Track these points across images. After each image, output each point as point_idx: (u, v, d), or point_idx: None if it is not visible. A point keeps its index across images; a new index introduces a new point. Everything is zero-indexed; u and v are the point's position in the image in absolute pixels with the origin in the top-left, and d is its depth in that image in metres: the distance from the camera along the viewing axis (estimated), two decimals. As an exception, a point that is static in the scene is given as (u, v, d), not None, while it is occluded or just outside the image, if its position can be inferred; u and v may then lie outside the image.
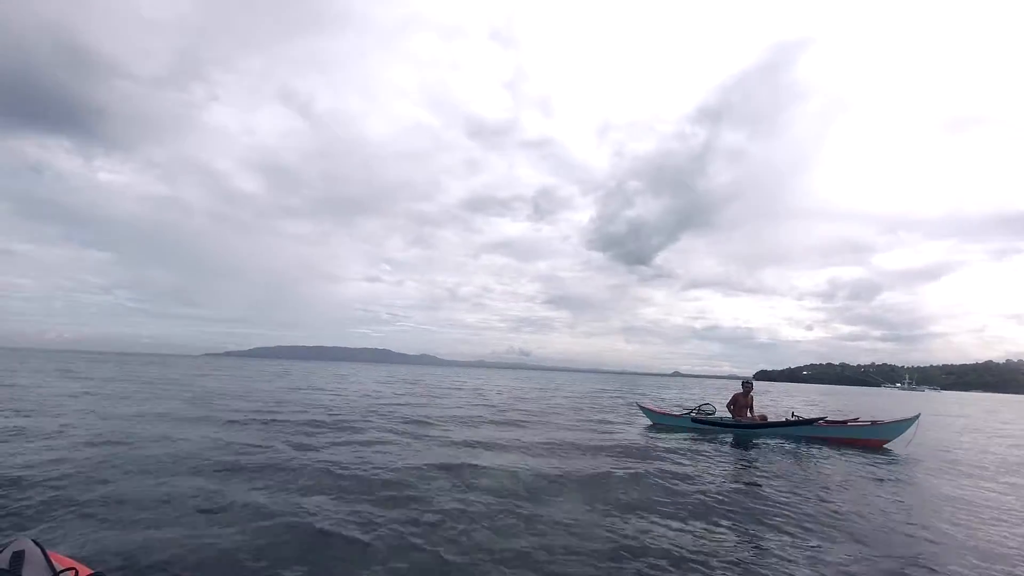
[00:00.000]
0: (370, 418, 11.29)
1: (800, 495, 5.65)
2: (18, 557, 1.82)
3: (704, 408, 12.01)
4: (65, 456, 6.16)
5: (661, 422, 12.55)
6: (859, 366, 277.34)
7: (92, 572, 1.87)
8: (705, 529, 4.38)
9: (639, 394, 28.26)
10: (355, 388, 23.04)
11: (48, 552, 1.92)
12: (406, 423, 10.66)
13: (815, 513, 4.92)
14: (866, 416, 11.35)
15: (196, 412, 11.19)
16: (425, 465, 6.39)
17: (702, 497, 5.37)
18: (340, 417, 11.16)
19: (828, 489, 6.03)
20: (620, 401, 21.48)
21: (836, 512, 4.98)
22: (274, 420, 10.19)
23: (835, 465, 7.74)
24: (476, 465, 6.52)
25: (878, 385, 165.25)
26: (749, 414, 11.22)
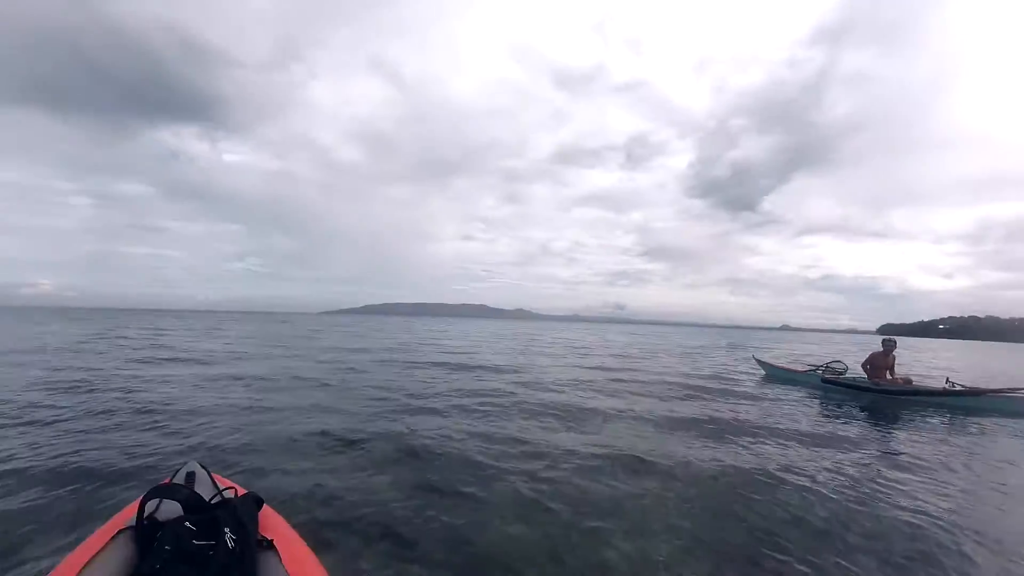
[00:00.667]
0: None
1: (959, 486, 4.76)
2: (191, 476, 2.30)
3: (834, 366, 11.10)
4: (227, 398, 7.39)
5: (782, 378, 11.82)
6: (1012, 319, 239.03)
7: (247, 492, 2.21)
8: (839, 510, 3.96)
9: (749, 348, 26.74)
10: (479, 343, 24.14)
11: (212, 474, 2.41)
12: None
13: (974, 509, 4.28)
14: None
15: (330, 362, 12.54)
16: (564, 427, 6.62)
17: (834, 474, 4.85)
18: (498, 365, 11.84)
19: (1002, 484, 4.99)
20: (731, 356, 20.38)
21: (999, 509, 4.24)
22: (425, 364, 11.08)
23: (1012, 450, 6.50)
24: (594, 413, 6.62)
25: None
26: (889, 377, 10.12)
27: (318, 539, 2.84)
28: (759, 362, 13.00)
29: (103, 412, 6.29)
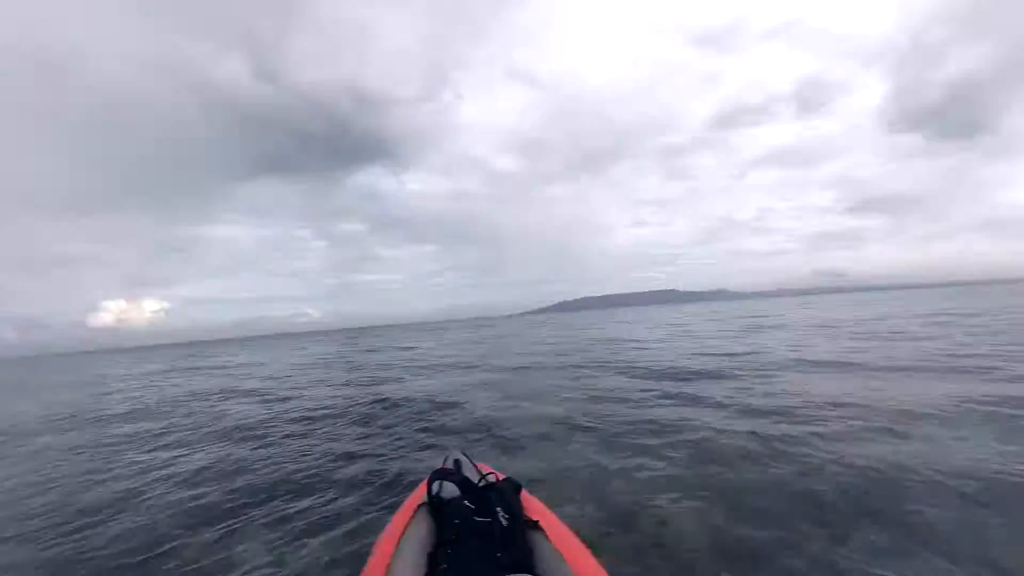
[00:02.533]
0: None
1: None
2: (457, 463, 2.67)
3: None
4: (472, 394, 8.36)
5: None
6: None
7: (505, 477, 2.35)
8: None
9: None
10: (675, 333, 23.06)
11: (474, 461, 2.77)
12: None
13: None
14: None
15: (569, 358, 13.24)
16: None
17: None
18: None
19: None
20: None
21: None
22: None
23: None
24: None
25: None
26: None
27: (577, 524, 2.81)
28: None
29: (389, 405, 7.95)
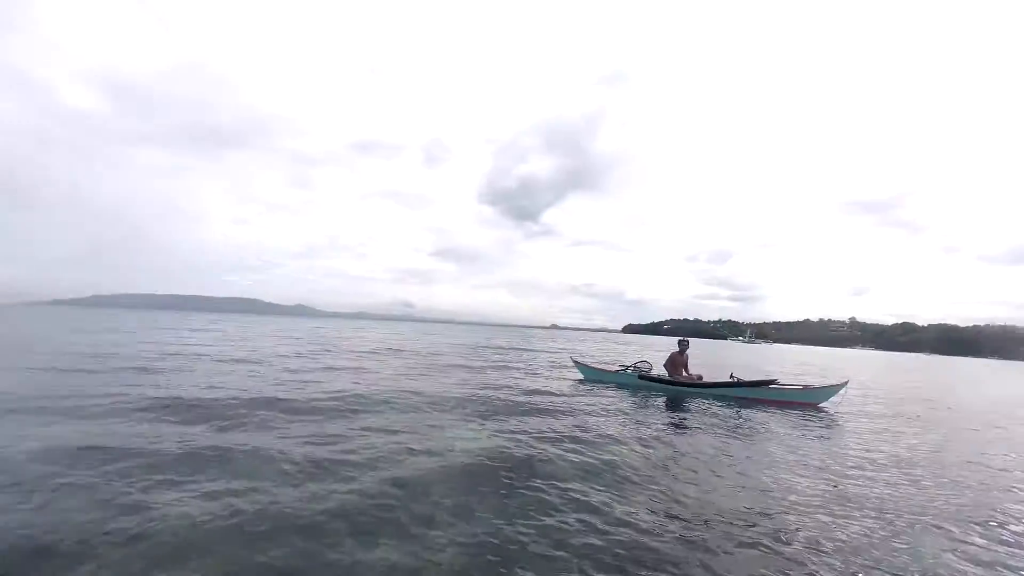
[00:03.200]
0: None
1: (741, 455, 5.71)
2: None
3: (640, 366, 12.09)
4: None
5: (599, 378, 12.48)
6: (709, 321, 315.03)
7: None
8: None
9: (539, 347, 28.71)
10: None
11: None
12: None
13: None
14: (795, 380, 11.98)
15: None
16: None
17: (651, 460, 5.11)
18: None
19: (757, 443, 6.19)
20: (544, 357, 21.43)
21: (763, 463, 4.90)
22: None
23: (772, 424, 8.16)
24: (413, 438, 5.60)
25: (725, 338, 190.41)
26: (685, 373, 11.44)
27: None
28: (576, 363, 13.54)
29: None
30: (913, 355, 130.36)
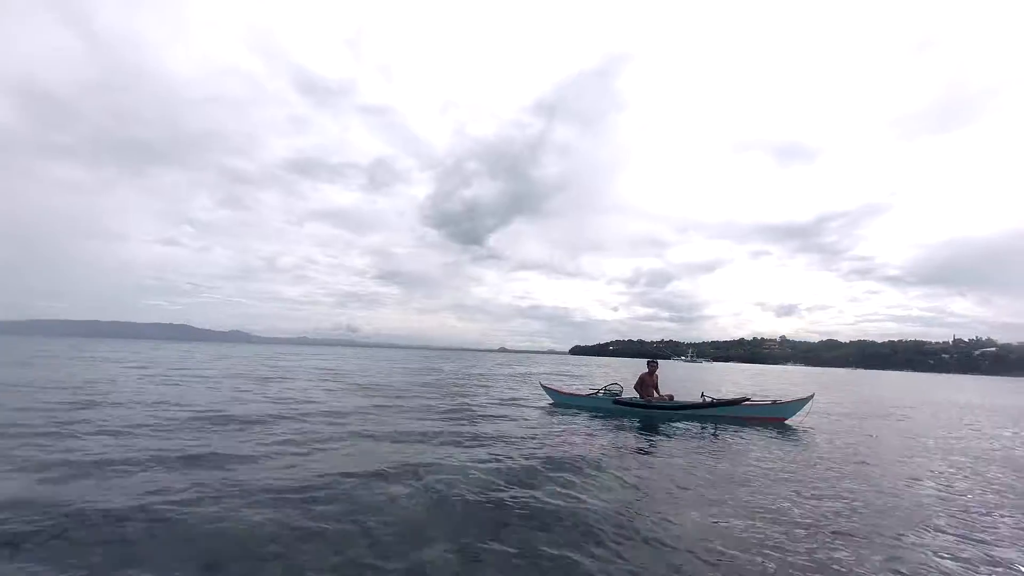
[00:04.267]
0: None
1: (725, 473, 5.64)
2: None
3: (611, 388, 11.93)
4: None
5: (569, 403, 12.18)
6: (652, 342, 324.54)
7: None
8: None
9: (496, 371, 28.27)
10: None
11: None
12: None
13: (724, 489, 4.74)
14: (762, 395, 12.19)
15: None
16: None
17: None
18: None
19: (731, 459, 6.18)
20: (512, 381, 20.96)
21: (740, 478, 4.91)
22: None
23: (746, 441, 8.24)
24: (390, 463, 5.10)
25: (667, 358, 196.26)
26: (656, 394, 11.33)
27: None
28: (545, 388, 13.25)
29: None
30: (841, 369, 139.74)
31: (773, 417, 10.23)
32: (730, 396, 11.26)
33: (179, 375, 17.27)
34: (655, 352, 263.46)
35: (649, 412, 10.72)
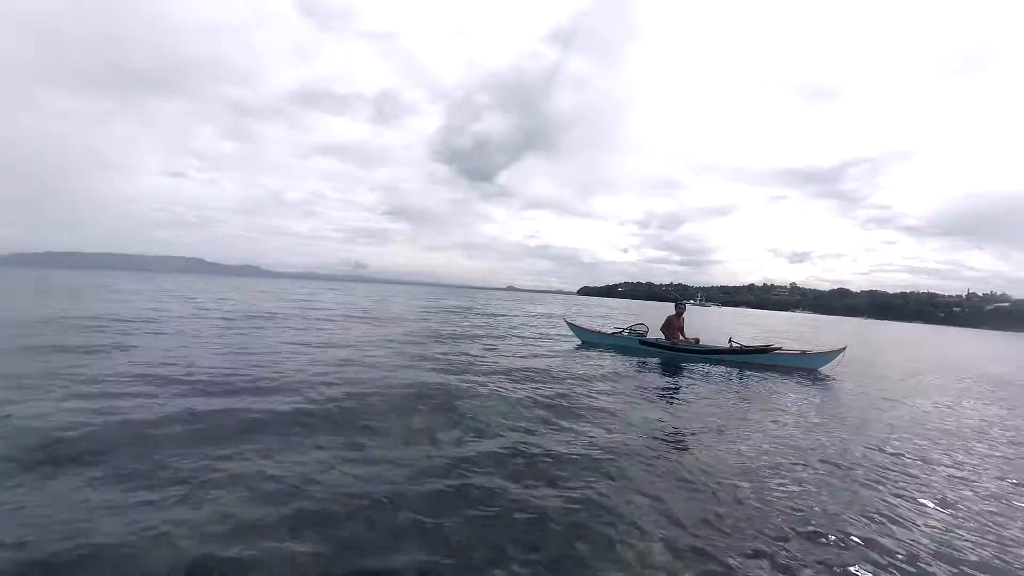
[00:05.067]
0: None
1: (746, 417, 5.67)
2: None
3: (637, 328, 11.95)
4: None
5: (595, 341, 12.29)
6: (661, 285, 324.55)
7: None
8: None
9: (514, 310, 28.50)
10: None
11: None
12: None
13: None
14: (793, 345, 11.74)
15: None
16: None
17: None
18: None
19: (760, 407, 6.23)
20: (510, 319, 21.16)
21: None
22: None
23: (777, 387, 8.34)
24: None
25: (677, 301, 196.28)
26: (682, 336, 11.33)
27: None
28: (570, 326, 13.30)
29: None
30: (852, 319, 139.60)
31: (803, 367, 10.17)
32: (761, 344, 11.18)
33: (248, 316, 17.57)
34: (664, 295, 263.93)
35: (676, 354, 10.78)
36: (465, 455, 3.92)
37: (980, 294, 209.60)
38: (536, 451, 4.13)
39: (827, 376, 9.73)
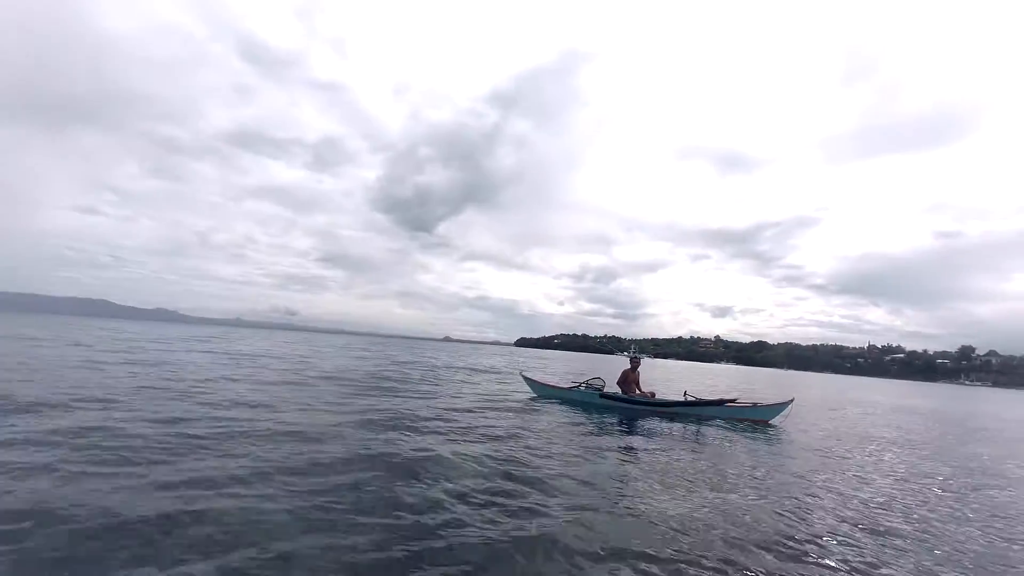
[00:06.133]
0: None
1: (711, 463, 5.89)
2: None
3: (593, 382, 12.02)
4: None
5: (551, 395, 12.20)
6: (596, 337, 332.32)
7: None
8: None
9: (459, 363, 27.97)
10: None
11: None
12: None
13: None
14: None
15: None
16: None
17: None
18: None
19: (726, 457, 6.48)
20: (455, 371, 20.66)
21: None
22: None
23: (730, 440, 8.58)
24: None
25: (612, 353, 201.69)
26: (638, 390, 11.53)
27: None
28: (526, 380, 13.16)
29: None
30: (769, 369, 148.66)
31: (755, 419, 10.59)
32: (708, 396, 11.57)
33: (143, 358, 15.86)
34: (599, 347, 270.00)
35: (636, 408, 10.89)
36: (425, 522, 3.70)
37: (879, 346, 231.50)
38: (500, 512, 3.94)
39: (778, 426, 10.22)
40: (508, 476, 5.06)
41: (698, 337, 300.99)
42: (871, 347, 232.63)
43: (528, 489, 4.69)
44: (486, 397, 11.88)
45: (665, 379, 26.17)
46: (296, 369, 15.65)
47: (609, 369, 34.18)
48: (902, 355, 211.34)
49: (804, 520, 4.38)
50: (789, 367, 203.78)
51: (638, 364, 11.89)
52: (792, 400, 11.10)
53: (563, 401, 11.65)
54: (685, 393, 11.16)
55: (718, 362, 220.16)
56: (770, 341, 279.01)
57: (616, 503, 4.49)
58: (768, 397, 11.42)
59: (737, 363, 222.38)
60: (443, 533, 3.52)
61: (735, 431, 9.29)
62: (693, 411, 10.70)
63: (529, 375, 13.73)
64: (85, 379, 9.78)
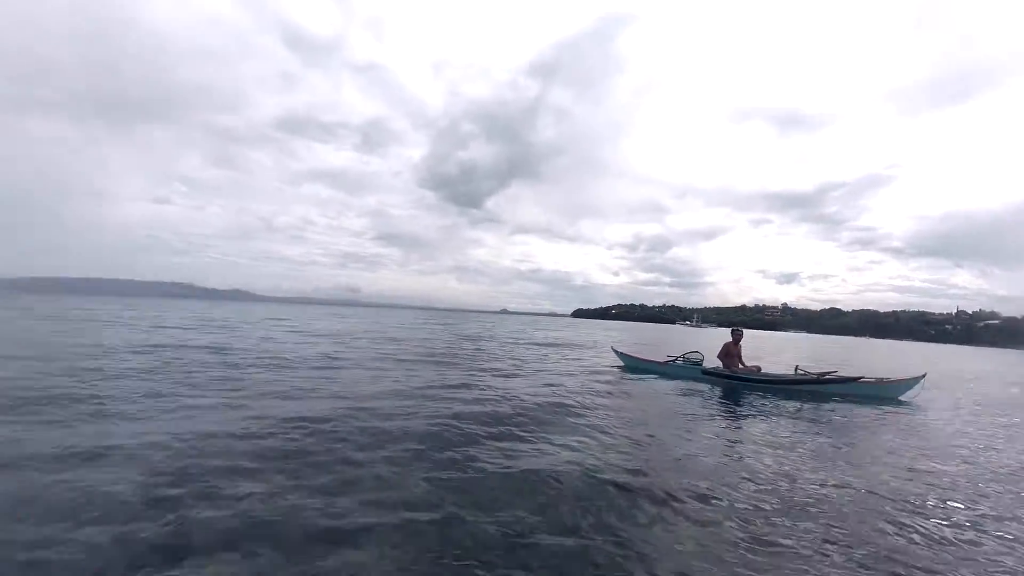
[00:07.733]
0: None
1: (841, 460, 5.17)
2: None
3: (691, 356, 11.45)
4: None
5: (646, 370, 11.76)
6: (654, 306, 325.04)
7: None
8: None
9: (532, 337, 27.90)
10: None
11: None
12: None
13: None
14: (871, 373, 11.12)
15: None
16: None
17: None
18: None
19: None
20: (532, 347, 20.54)
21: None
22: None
23: (859, 420, 7.74)
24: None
25: (672, 323, 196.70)
26: (740, 364, 10.83)
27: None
28: (618, 353, 12.80)
29: None
30: (847, 338, 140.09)
31: (882, 396, 9.58)
32: (817, 370, 10.65)
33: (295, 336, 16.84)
34: (659, 316, 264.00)
35: (740, 383, 10.20)
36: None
37: (969, 312, 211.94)
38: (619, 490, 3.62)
39: (911, 403, 9.26)
40: (637, 471, 4.52)
41: (763, 305, 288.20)
42: (960, 312, 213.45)
43: (649, 474, 4.32)
44: (576, 372, 11.45)
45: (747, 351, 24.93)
46: (388, 349, 16.05)
47: (672, 339, 33.24)
48: (997, 321, 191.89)
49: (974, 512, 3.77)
50: (865, 335, 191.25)
51: (740, 337, 11.14)
52: (924, 375, 9.94)
53: (661, 375, 11.15)
54: (796, 368, 10.33)
55: (786, 330, 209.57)
56: (843, 308, 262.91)
57: (773, 493, 4.04)
58: (875, 369, 10.31)
59: (808, 331, 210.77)
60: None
61: (863, 407, 8.51)
62: (809, 388, 9.77)
63: (621, 349, 13.33)
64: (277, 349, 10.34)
